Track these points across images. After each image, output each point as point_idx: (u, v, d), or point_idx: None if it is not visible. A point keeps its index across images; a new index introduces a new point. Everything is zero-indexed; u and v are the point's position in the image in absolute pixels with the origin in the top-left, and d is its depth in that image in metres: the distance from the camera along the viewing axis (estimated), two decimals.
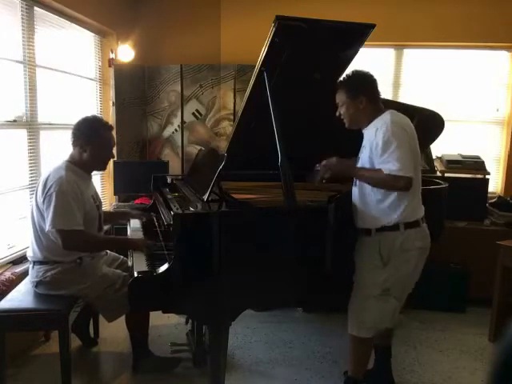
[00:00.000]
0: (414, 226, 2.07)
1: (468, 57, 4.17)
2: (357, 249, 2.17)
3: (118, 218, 2.97)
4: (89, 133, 2.31)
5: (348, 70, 2.20)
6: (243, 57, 3.92)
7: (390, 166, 1.94)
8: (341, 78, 2.17)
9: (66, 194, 2.16)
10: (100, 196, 3.86)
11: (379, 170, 1.98)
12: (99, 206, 2.48)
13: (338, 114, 2.17)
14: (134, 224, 2.81)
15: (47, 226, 2.15)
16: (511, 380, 0.66)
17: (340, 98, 2.13)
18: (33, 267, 2.30)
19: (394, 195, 2.02)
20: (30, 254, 2.33)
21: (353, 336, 2.18)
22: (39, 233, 2.24)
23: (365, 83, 2.11)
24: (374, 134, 2.01)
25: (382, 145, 1.96)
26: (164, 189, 2.90)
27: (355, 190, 2.14)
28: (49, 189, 2.16)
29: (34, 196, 2.28)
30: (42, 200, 2.18)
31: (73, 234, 2.16)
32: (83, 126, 2.33)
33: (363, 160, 2.10)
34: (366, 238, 2.10)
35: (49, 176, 2.21)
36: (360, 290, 2.14)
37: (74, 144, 2.33)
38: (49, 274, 2.25)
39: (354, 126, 2.18)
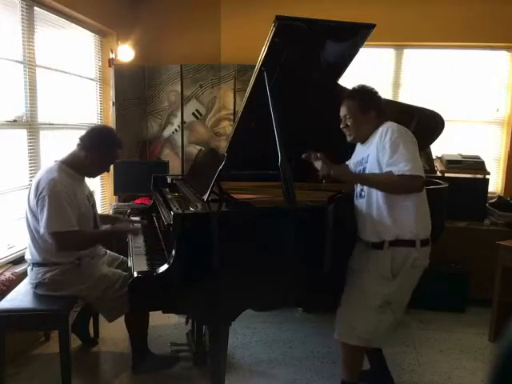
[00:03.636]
0: (427, 243, 2.05)
1: (468, 57, 4.17)
2: (360, 258, 2.12)
3: (106, 222, 2.68)
4: (101, 145, 2.32)
5: (355, 83, 2.16)
6: (243, 57, 3.92)
7: (401, 166, 1.89)
8: (351, 91, 2.13)
9: (59, 195, 2.15)
10: (100, 196, 3.92)
11: (389, 173, 1.93)
12: (94, 205, 2.47)
13: (342, 126, 2.13)
14: (136, 225, 2.80)
15: (42, 229, 2.14)
16: (511, 380, 0.66)
17: (349, 110, 2.09)
18: (31, 269, 2.29)
19: (407, 205, 1.98)
20: (28, 257, 2.31)
21: (343, 342, 2.15)
22: (35, 235, 2.23)
23: (375, 98, 2.11)
24: (379, 140, 1.98)
25: (391, 146, 1.93)
26: (164, 189, 2.90)
27: (362, 202, 2.09)
28: (41, 191, 2.15)
29: (27, 198, 2.25)
30: (34, 202, 2.17)
31: (68, 234, 2.14)
32: (99, 136, 2.34)
33: (369, 169, 2.05)
34: (376, 250, 2.04)
35: (41, 178, 2.19)
36: (358, 298, 2.08)
37: (81, 146, 2.31)
38: (48, 275, 2.24)
39: (357, 140, 2.16)
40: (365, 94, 2.11)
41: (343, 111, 2.12)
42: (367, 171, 2.06)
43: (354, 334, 2.09)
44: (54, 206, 2.13)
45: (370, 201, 2.05)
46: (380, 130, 2.03)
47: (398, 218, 1.99)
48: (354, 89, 2.14)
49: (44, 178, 2.18)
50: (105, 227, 2.53)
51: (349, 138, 2.15)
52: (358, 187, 2.12)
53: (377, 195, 2.02)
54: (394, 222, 1.99)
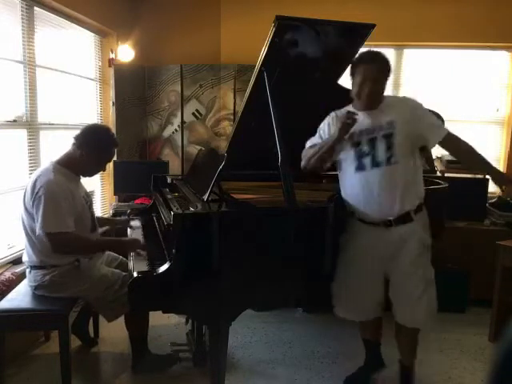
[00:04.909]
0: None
1: (468, 57, 4.17)
2: (393, 242, 2.09)
3: (103, 225, 2.70)
4: (97, 144, 2.30)
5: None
6: (243, 57, 3.92)
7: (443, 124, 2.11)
8: (375, 55, 2.03)
9: (56, 196, 2.13)
10: (100, 196, 3.92)
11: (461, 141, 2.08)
12: (90, 205, 2.45)
13: (369, 90, 2.00)
14: (135, 224, 2.80)
15: (37, 230, 2.12)
16: (511, 380, 0.66)
17: (377, 74, 2.01)
18: (30, 272, 2.28)
19: (420, 170, 2.11)
20: (25, 259, 2.30)
21: (415, 328, 2.18)
22: (32, 237, 2.20)
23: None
24: (407, 108, 2.07)
25: (428, 113, 2.10)
26: (164, 189, 2.90)
27: (376, 175, 2.02)
28: (37, 191, 2.13)
29: (22, 200, 2.23)
30: (31, 203, 2.15)
31: (62, 235, 2.13)
32: (95, 135, 2.32)
33: (400, 133, 2.00)
34: (407, 225, 2.06)
35: (37, 179, 2.17)
36: (424, 279, 2.12)
37: (76, 145, 2.29)
38: (47, 277, 2.23)
39: (370, 106, 2.07)
40: (387, 60, 2.07)
41: (370, 74, 1.99)
42: (396, 136, 2.01)
43: (434, 314, 2.16)
44: (49, 206, 2.11)
45: (392, 174, 2.02)
46: (392, 98, 2.19)
47: (419, 183, 2.10)
48: (376, 53, 2.05)
49: (40, 179, 2.16)
50: (103, 229, 2.52)
51: (362, 104, 2.06)
52: (365, 145, 2.05)
53: (405, 161, 2.04)
54: (416, 188, 2.09)
